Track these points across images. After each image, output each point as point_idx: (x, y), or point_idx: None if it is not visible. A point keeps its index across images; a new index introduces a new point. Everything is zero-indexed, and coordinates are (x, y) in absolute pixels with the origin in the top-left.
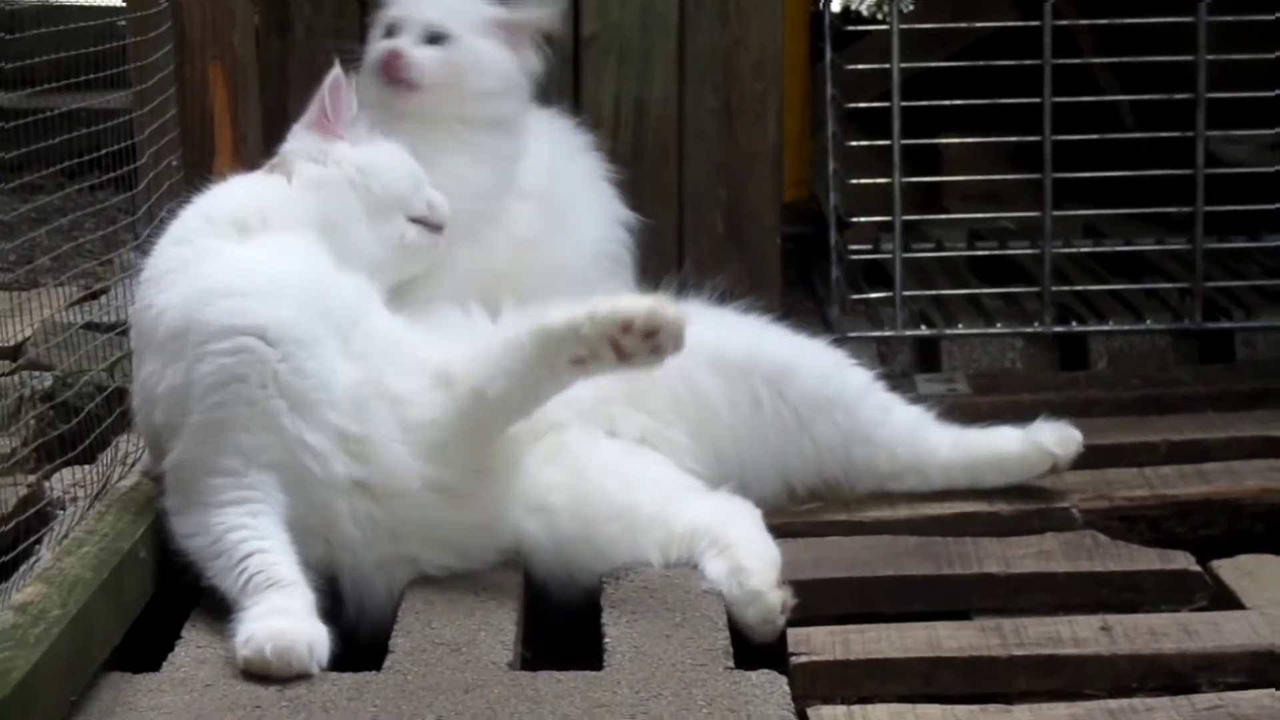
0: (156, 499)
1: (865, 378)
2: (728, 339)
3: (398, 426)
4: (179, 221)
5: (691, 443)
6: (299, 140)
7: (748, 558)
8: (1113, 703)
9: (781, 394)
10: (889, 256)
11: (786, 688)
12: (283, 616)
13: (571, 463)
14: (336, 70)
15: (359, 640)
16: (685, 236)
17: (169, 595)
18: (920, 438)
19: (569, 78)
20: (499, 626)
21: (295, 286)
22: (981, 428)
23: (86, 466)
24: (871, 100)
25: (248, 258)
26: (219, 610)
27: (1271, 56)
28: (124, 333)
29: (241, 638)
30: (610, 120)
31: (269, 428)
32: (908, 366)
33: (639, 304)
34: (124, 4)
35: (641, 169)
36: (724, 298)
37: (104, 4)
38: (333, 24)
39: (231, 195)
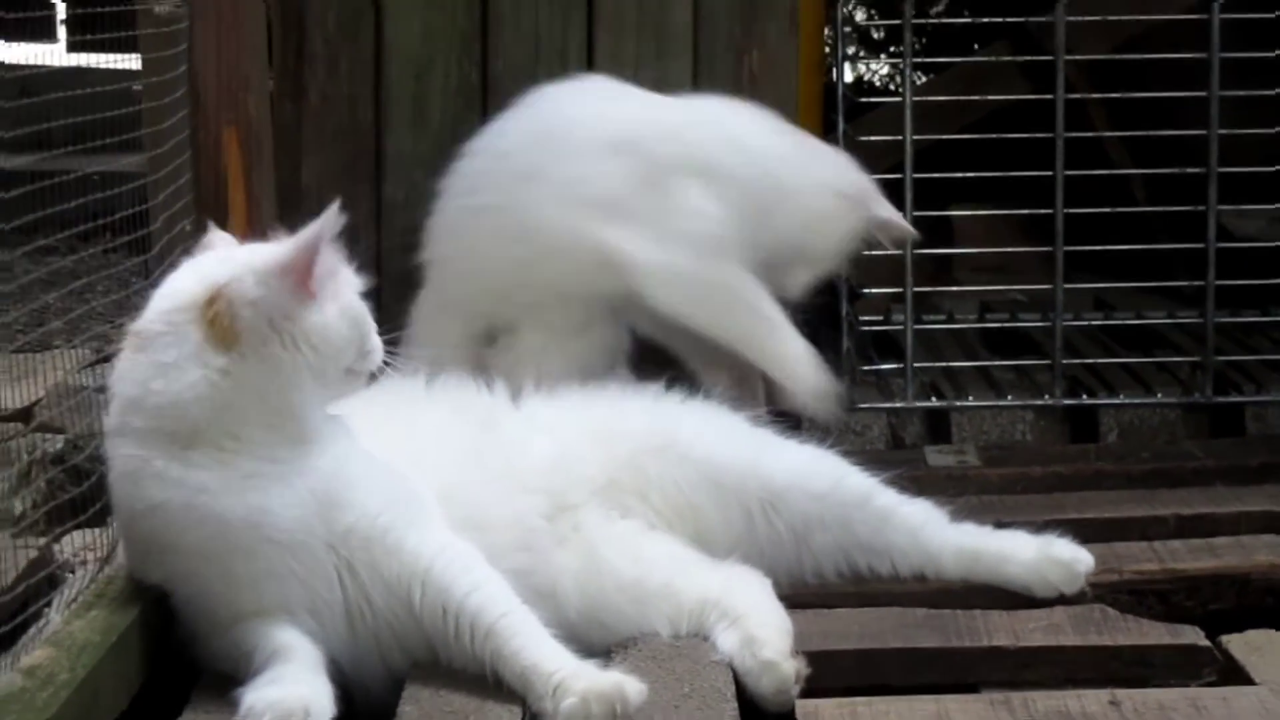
0: None
1: (864, 488)
2: (724, 458)
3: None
4: (114, 415)
5: (695, 544)
6: (267, 288)
7: (760, 628)
8: None
9: (773, 516)
10: (900, 328)
11: None
12: (280, 685)
13: (583, 543)
14: (333, 214)
15: (361, 710)
16: None
17: (177, 661)
18: (925, 541)
19: None
20: (508, 694)
21: None
22: (994, 527)
23: (96, 530)
24: (884, 171)
25: None
26: (226, 676)
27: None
28: None
29: (242, 711)
30: None
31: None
32: (918, 438)
33: (602, 710)
34: (140, 68)
35: None
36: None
37: (120, 68)
38: (347, 90)
39: (165, 390)
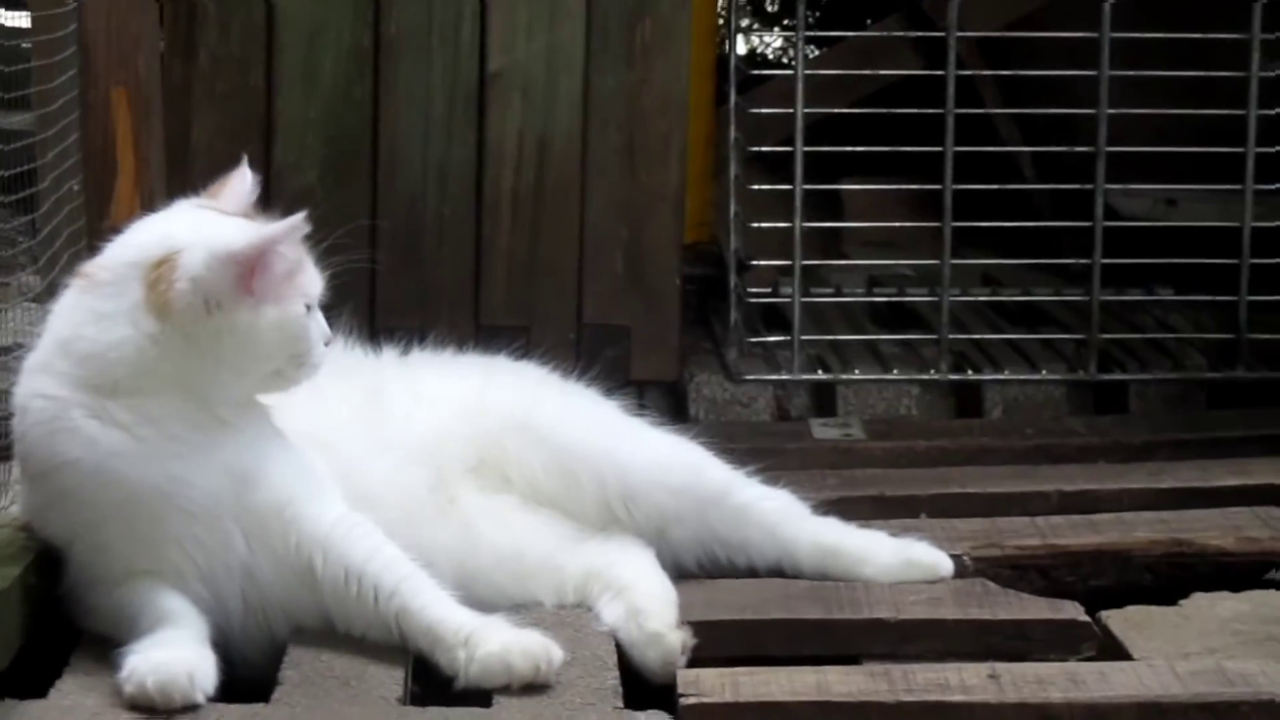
0: None
1: (721, 483)
2: (580, 446)
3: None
4: (41, 351)
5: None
6: (210, 270)
7: (645, 599)
8: None
9: (629, 508)
10: (788, 300)
11: None
12: (165, 648)
13: (460, 516)
14: (296, 224)
15: (241, 676)
16: (585, 274)
17: (57, 624)
18: (782, 537)
19: (473, 113)
20: (390, 661)
21: None
22: (857, 526)
23: None
24: (775, 144)
25: None
26: (107, 640)
27: (1170, 112)
28: (19, 357)
29: (124, 673)
30: (513, 157)
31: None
32: (804, 410)
33: (526, 664)
34: (29, 26)
35: (543, 206)
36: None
37: (9, 25)
38: (238, 51)
39: (95, 339)
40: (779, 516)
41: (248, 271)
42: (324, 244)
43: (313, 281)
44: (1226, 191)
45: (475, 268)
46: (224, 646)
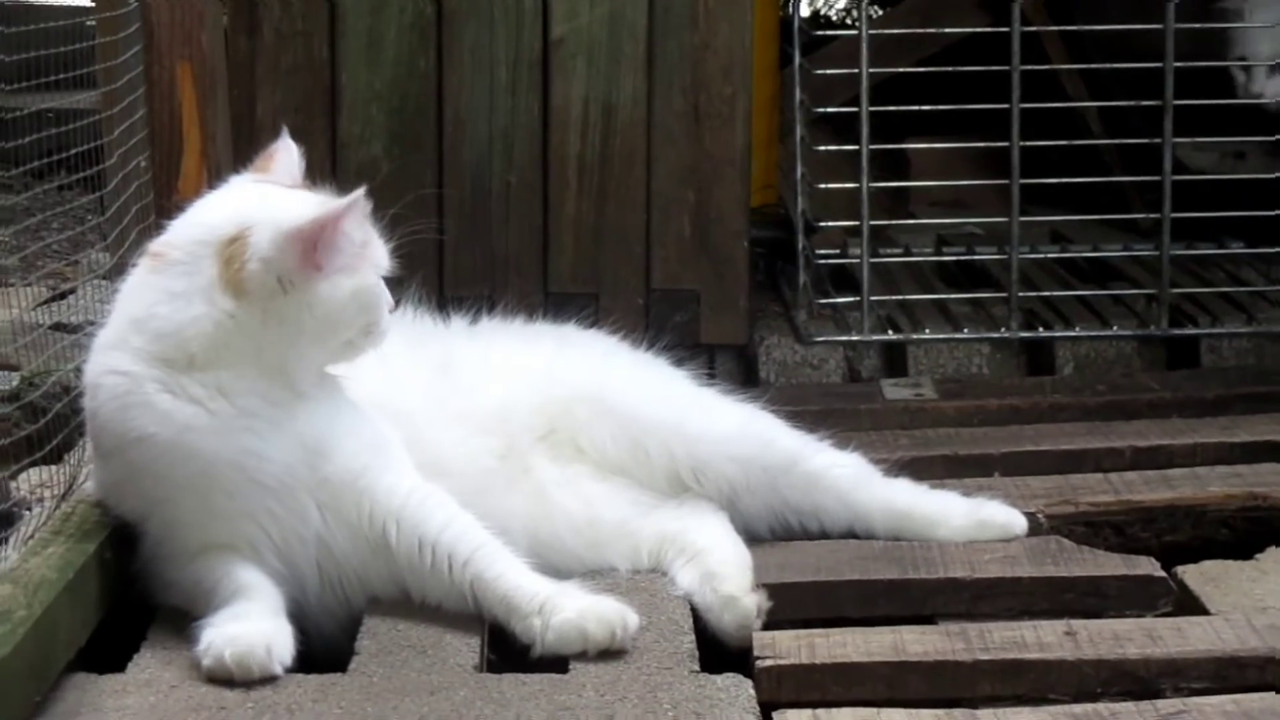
0: None
1: (791, 452)
2: (649, 418)
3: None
4: (112, 328)
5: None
6: (279, 249)
7: (720, 564)
8: (1077, 708)
9: (699, 479)
10: (856, 261)
11: (752, 691)
12: (242, 621)
13: (533, 486)
14: (358, 199)
15: (318, 647)
16: (653, 240)
17: (135, 599)
18: (854, 503)
19: (538, 80)
20: (466, 630)
21: None
22: (930, 486)
23: (53, 467)
24: (840, 105)
25: None
26: (183, 614)
27: (1237, 64)
28: (90, 334)
29: (202, 645)
30: (578, 123)
31: None
32: (874, 371)
33: (602, 631)
34: (93, 4)
35: (609, 172)
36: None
37: (73, 4)
38: (301, 25)
39: (170, 317)
40: (850, 483)
41: (313, 247)
42: (390, 214)
43: (382, 252)
44: None
45: (542, 236)
46: (300, 618)
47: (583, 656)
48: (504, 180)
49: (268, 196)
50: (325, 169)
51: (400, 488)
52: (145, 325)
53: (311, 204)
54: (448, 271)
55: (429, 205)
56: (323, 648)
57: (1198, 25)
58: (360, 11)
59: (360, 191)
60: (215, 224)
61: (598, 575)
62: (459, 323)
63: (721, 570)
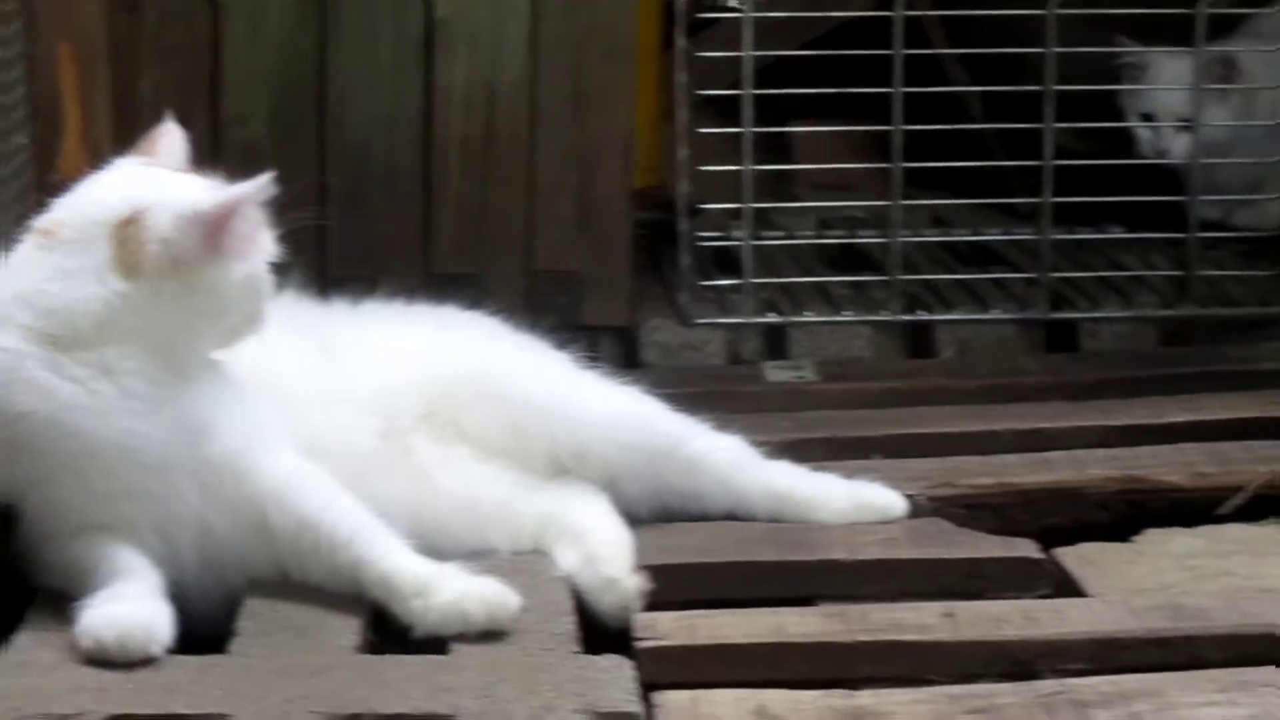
0: None
1: (673, 435)
2: (531, 400)
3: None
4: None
5: None
6: (179, 231)
7: (601, 545)
8: (956, 688)
9: (581, 464)
10: (739, 244)
11: (633, 672)
12: (121, 602)
13: (414, 466)
14: (263, 185)
15: (198, 628)
16: (535, 221)
17: (11, 582)
18: (735, 486)
19: (420, 62)
20: (347, 611)
21: None
22: (811, 468)
23: None
24: (723, 88)
25: None
26: (65, 594)
27: (1118, 50)
28: None
29: (80, 627)
30: (461, 105)
31: None
32: (756, 354)
33: (483, 612)
34: None
35: (492, 154)
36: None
37: None
38: (183, 4)
39: (60, 294)
40: (731, 466)
41: (214, 231)
42: (273, 201)
43: (269, 238)
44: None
45: (425, 217)
46: (180, 599)
47: (464, 638)
48: (386, 162)
49: (161, 179)
50: (207, 149)
51: (281, 469)
52: (33, 301)
53: (211, 189)
54: (330, 253)
55: (311, 187)
56: (203, 629)
57: (1079, 11)
58: None
59: (266, 178)
60: (110, 204)
61: (479, 556)
62: (340, 304)
63: (603, 552)
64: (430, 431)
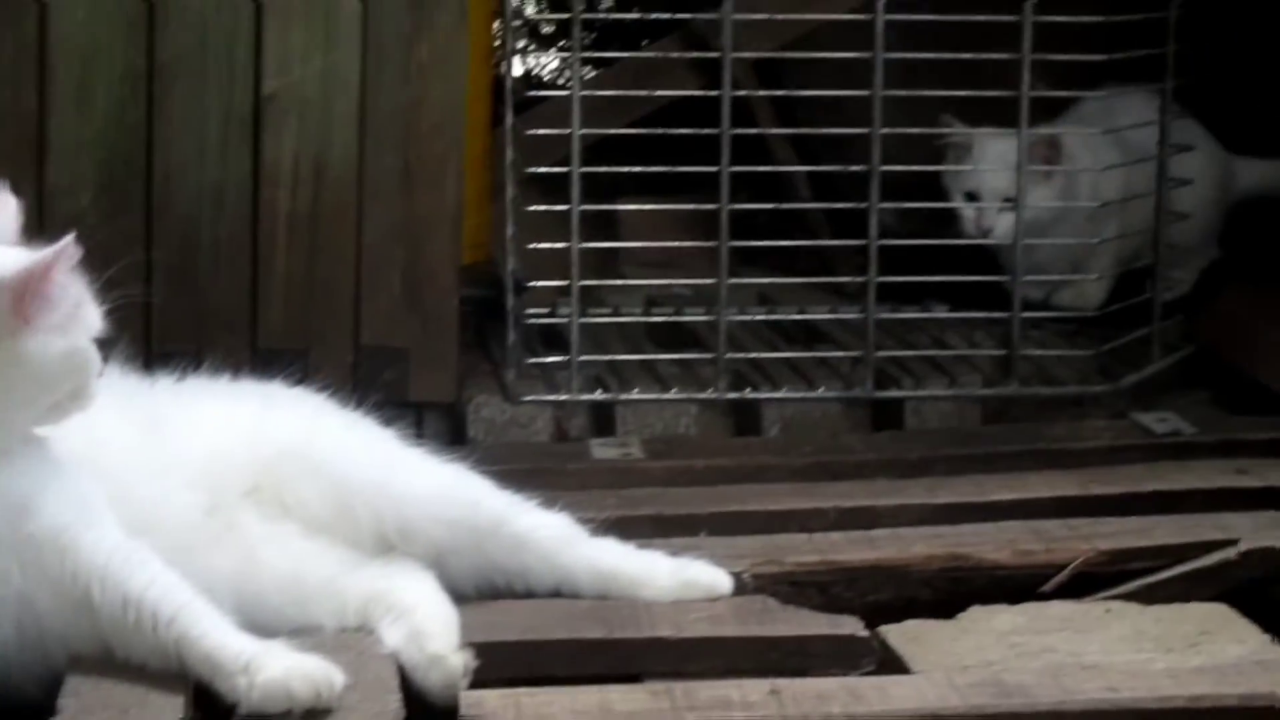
0: None
1: (498, 513)
2: (356, 477)
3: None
4: None
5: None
6: None
7: (427, 621)
8: None
9: (406, 541)
10: (566, 321)
11: None
12: None
13: (238, 542)
14: (66, 247)
15: (18, 706)
16: (363, 297)
17: None
18: (560, 564)
19: (249, 135)
20: (170, 689)
21: None
22: (637, 546)
23: None
24: (551, 165)
25: None
26: None
27: (942, 131)
28: None
29: None
30: (290, 179)
31: None
32: (583, 431)
33: (307, 689)
34: None
35: (320, 228)
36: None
37: None
38: (10, 71)
39: None
40: (556, 543)
41: (20, 299)
42: (99, 272)
43: (94, 313)
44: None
45: (252, 291)
46: (0, 676)
47: (288, 716)
48: (214, 235)
49: None
50: (34, 219)
51: (104, 545)
52: None
53: (17, 256)
54: (155, 327)
55: (137, 262)
56: (24, 707)
57: (905, 93)
58: (70, 61)
59: (68, 239)
60: None
61: (304, 633)
62: (165, 379)
63: (428, 628)
64: (256, 507)
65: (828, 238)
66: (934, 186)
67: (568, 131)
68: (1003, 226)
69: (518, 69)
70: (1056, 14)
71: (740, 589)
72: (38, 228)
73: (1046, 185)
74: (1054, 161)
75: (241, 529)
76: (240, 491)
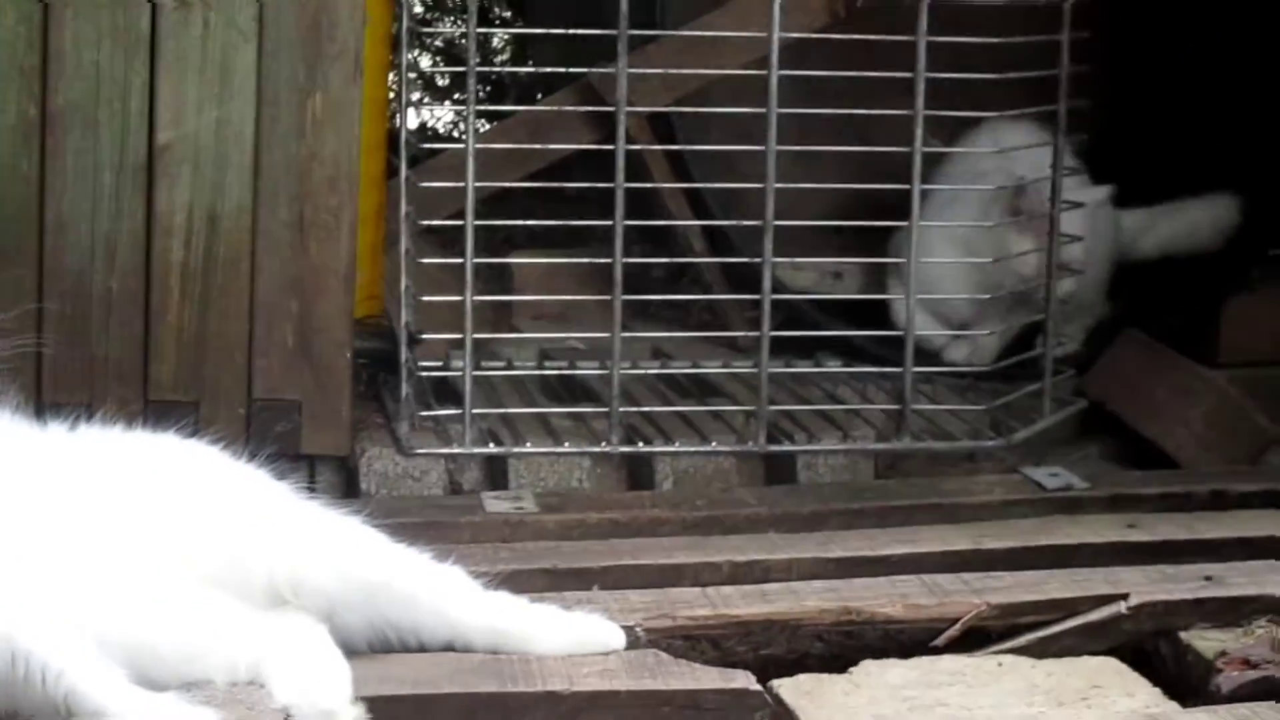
0: None
1: (390, 567)
2: (243, 528)
3: None
4: None
5: None
6: None
7: (318, 675)
8: None
9: (299, 596)
10: (459, 374)
11: None
12: None
13: (129, 596)
14: None
15: None
16: (255, 349)
17: None
18: (453, 619)
19: (143, 186)
20: None
21: None
22: (530, 599)
23: None
24: (446, 218)
25: None
26: None
27: (835, 186)
28: None
29: None
30: (183, 230)
31: None
32: (476, 484)
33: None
34: None
35: (213, 280)
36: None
37: None
38: None
39: None
40: (449, 598)
41: None
42: None
43: None
44: (892, 264)
45: (144, 343)
46: None
47: None
48: (106, 286)
49: None
50: None
51: None
52: None
53: None
54: (46, 377)
55: (28, 312)
56: None
57: (798, 148)
58: None
59: None
60: None
61: (196, 687)
62: (56, 429)
63: (320, 683)
64: (147, 560)
65: (722, 292)
66: (826, 240)
67: (462, 184)
68: (961, 353)
69: (413, 121)
70: (949, 71)
71: (633, 643)
72: None
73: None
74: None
75: (132, 582)
76: (130, 544)
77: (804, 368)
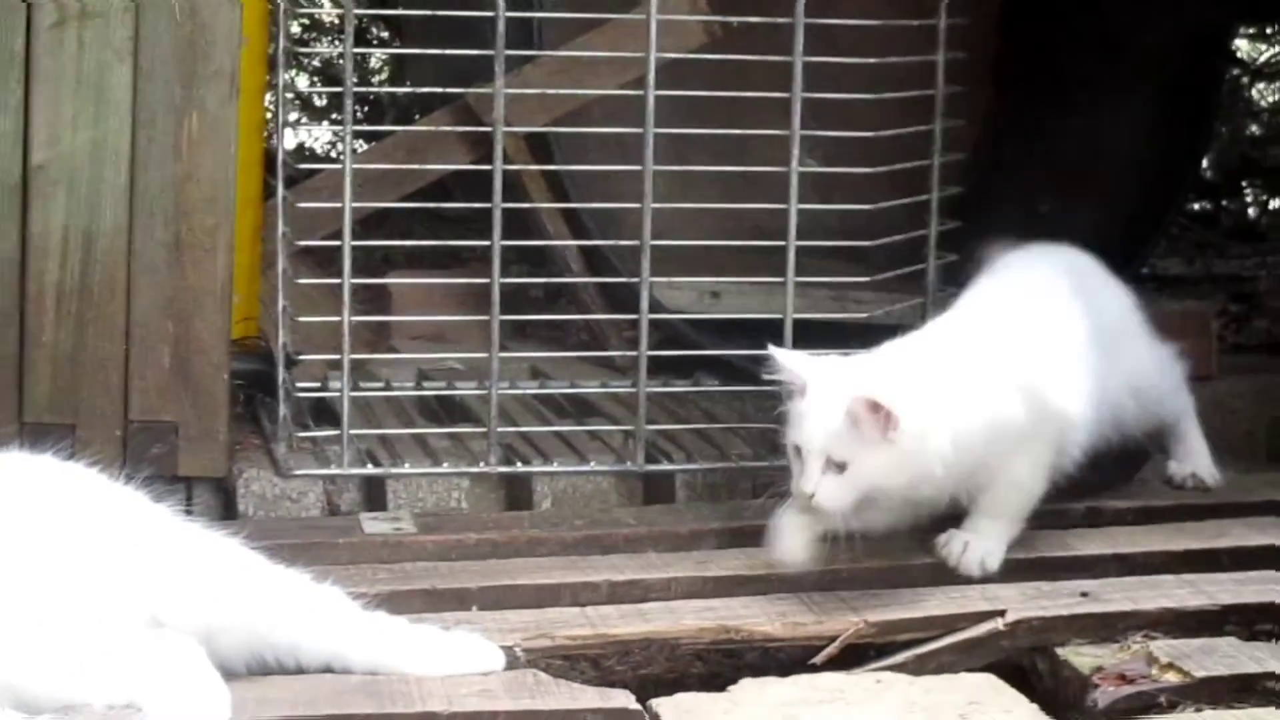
0: None
1: (267, 586)
2: (124, 558)
3: None
4: None
5: None
6: None
7: (195, 698)
8: None
9: (176, 618)
10: (337, 395)
11: None
12: None
13: (8, 621)
14: None
15: None
16: (132, 370)
17: None
18: (332, 640)
19: (17, 207)
20: None
21: None
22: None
23: None
24: (323, 238)
25: None
26: None
27: (713, 206)
28: None
29: None
30: (58, 251)
31: None
32: (354, 505)
33: None
34: None
35: (89, 301)
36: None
37: None
38: None
39: None
40: (327, 620)
41: None
42: None
43: None
44: (768, 284)
45: (19, 365)
46: None
47: None
48: None
49: None
50: None
51: None
52: None
53: None
54: None
55: None
56: None
57: (676, 168)
58: None
59: None
60: None
61: (72, 711)
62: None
63: (196, 706)
64: (21, 583)
65: (600, 312)
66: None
67: (340, 205)
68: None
69: (290, 142)
70: (827, 92)
71: (512, 663)
72: None
73: None
74: None
75: (8, 604)
76: (7, 567)
77: (682, 387)
